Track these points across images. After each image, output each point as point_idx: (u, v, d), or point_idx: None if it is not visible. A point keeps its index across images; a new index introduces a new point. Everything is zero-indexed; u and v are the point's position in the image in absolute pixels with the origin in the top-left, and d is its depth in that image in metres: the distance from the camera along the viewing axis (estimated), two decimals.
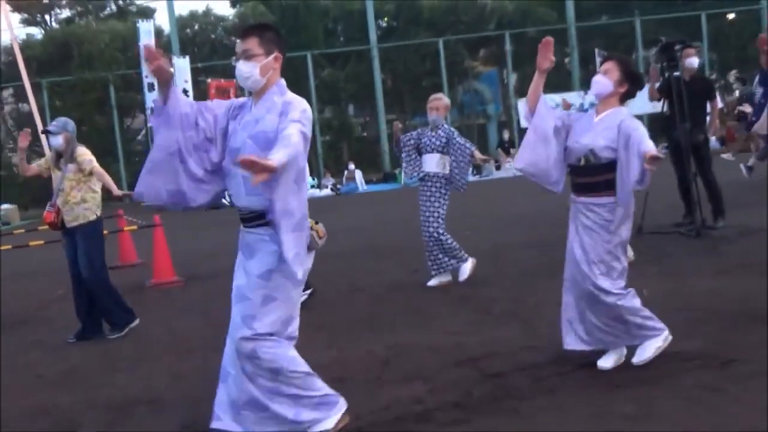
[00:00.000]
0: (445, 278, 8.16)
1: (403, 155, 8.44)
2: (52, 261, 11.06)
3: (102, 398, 5.41)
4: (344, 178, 26.74)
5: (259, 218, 3.83)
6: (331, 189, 25.10)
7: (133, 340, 7.16)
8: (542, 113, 4.95)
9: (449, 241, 8.11)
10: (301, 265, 3.81)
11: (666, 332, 4.93)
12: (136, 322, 7.40)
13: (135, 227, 11.60)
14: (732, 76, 32.33)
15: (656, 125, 16.14)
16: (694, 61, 9.79)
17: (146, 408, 5.08)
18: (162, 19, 34.46)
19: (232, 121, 3.98)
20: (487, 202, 14.51)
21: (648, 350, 4.87)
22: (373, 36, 29.29)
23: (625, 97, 4.88)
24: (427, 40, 30.68)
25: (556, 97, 27.37)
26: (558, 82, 31.65)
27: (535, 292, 7.41)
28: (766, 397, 4.13)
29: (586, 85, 28.33)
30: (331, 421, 4.07)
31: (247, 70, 3.88)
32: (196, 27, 34.14)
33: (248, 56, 3.88)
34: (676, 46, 9.72)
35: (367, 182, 26.09)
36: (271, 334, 3.91)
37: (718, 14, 30.85)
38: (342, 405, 4.14)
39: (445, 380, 4.98)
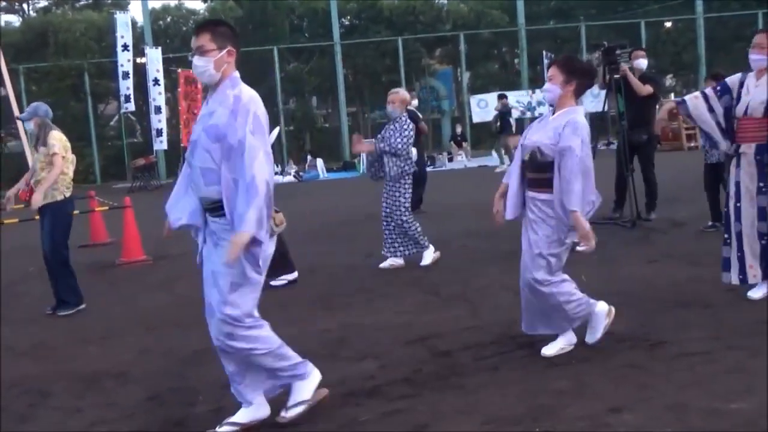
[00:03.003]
0: (398, 262, 8.16)
1: (371, 168, 8.29)
2: (28, 238, 10.88)
3: (71, 370, 5.34)
4: (306, 166, 26.63)
5: (222, 208, 3.75)
6: (294, 176, 24.97)
7: (102, 315, 7.07)
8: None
9: (414, 228, 8.06)
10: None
11: (606, 308, 4.94)
12: (83, 306, 7.27)
13: (106, 208, 11.47)
14: (667, 80, 32.78)
15: (599, 124, 16.27)
16: (642, 63, 9.90)
17: (114, 380, 5.03)
18: (136, 11, 33.95)
19: None
20: (438, 192, 14.55)
21: (597, 330, 4.90)
22: (336, 33, 29.18)
23: (580, 91, 4.78)
24: (387, 39, 30.64)
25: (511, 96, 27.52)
26: (508, 81, 31.89)
27: (481, 276, 7.46)
28: (690, 375, 4.22)
29: (533, 84, 28.57)
30: (308, 391, 4.09)
31: (201, 65, 3.80)
32: (169, 19, 33.67)
33: (202, 52, 3.79)
34: (617, 50, 9.82)
35: (328, 170, 25.99)
36: (245, 317, 3.87)
37: (657, 22, 31.20)
38: (317, 375, 4.16)
39: (395, 358, 5.00)
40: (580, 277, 6.89)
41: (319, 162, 25.86)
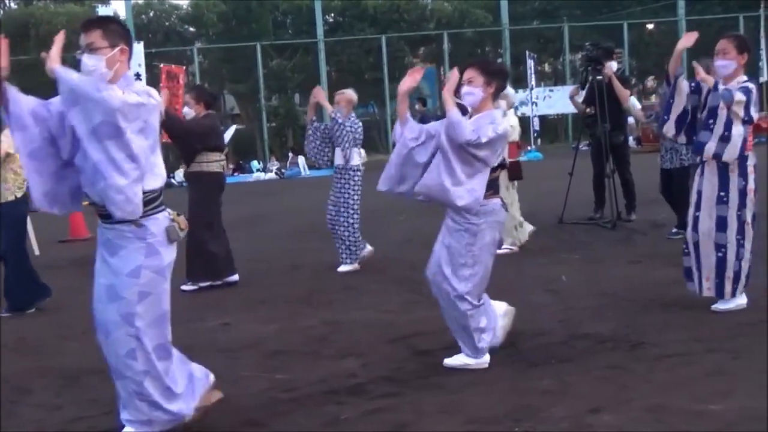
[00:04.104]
0: (367, 249, 8.12)
1: (309, 145, 8.17)
2: None
3: (52, 367, 5.30)
4: (288, 163, 26.58)
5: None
6: (276, 173, 24.93)
7: (83, 311, 6.99)
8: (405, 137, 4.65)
9: (356, 238, 8.00)
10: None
11: (483, 359, 4.65)
12: (32, 310, 7.14)
13: (86, 203, 11.36)
14: (649, 81, 32.95)
15: (578, 124, 16.37)
16: (612, 65, 9.95)
17: (95, 377, 4.97)
18: (118, 5, 33.77)
19: None
20: None
21: (458, 358, 4.68)
22: (320, 30, 29.12)
23: (497, 94, 4.68)
24: (371, 37, 30.62)
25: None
26: None
27: None
28: (671, 376, 4.25)
29: (516, 84, 28.60)
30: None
31: (91, 63, 3.53)
32: (151, 14, 33.47)
33: (92, 49, 3.53)
34: (615, 52, 9.90)
35: (310, 167, 25.94)
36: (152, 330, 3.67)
37: (639, 24, 31.38)
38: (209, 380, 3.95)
39: (377, 356, 5.00)
40: (561, 277, 7.00)
41: (301, 159, 25.80)
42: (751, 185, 5.41)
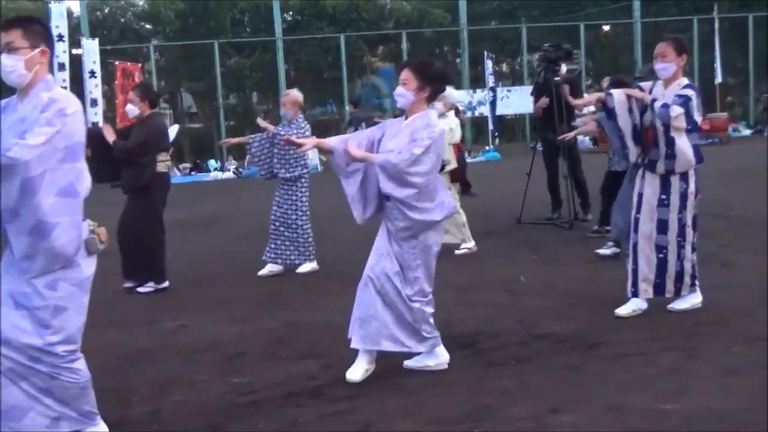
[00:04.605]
0: (277, 268, 7.96)
1: (254, 152, 8.06)
2: None
3: None
4: (246, 162, 26.37)
5: None
6: (234, 172, 24.71)
7: None
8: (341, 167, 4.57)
9: (307, 235, 7.92)
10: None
11: (442, 359, 4.65)
12: None
13: None
14: (605, 81, 33.32)
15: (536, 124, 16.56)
16: (563, 67, 10.03)
17: None
18: (72, 2, 33.19)
19: None
20: None
21: (418, 360, 4.65)
22: (278, 28, 28.93)
23: (433, 97, 4.59)
24: (330, 35, 30.54)
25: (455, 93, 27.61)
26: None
27: None
28: (629, 376, 4.29)
29: (474, 84, 28.81)
30: None
31: (10, 63, 3.39)
32: (107, 10, 33.00)
33: (11, 49, 3.40)
34: (560, 61, 9.95)
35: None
36: (67, 346, 3.56)
37: (596, 25, 31.73)
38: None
39: (337, 357, 4.96)
40: (519, 278, 7.04)
41: None
42: (692, 188, 5.46)
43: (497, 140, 27.35)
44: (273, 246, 7.97)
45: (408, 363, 4.67)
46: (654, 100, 5.35)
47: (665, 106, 5.25)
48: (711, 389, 3.99)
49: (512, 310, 5.94)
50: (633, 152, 5.59)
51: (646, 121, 5.47)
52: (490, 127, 25.76)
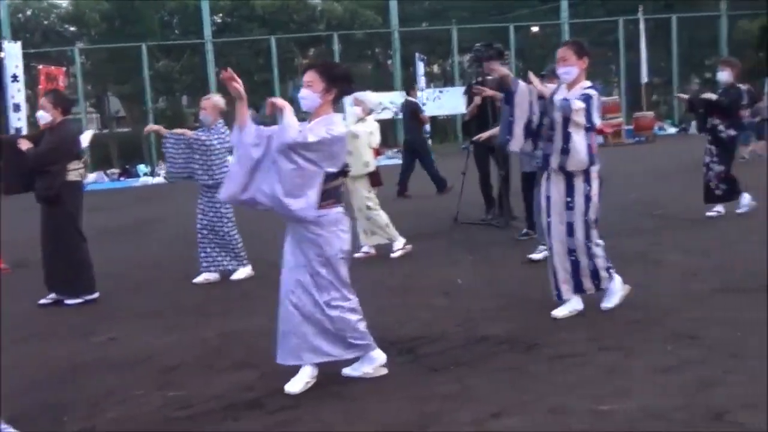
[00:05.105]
0: (213, 276, 7.84)
1: (168, 149, 7.88)
2: None
3: None
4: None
5: None
6: (165, 177, 24.29)
7: None
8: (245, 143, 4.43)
9: (236, 241, 7.81)
10: None
11: (377, 362, 4.57)
12: None
13: None
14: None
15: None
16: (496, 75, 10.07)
17: None
18: None
19: None
20: None
21: (356, 368, 4.57)
22: (207, 30, 28.61)
23: (338, 99, 4.52)
24: (260, 38, 30.32)
25: (381, 96, 27.68)
26: (381, 82, 32.12)
27: (362, 278, 7.42)
28: (569, 377, 4.31)
29: (406, 86, 28.87)
30: None
31: None
32: (29, 12, 32.14)
33: None
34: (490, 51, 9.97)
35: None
36: None
37: (525, 26, 32.18)
38: None
39: (274, 367, 4.84)
40: (456, 280, 7.05)
41: None
42: (595, 190, 5.45)
43: (430, 141, 27.51)
44: (204, 254, 7.81)
45: (346, 371, 4.60)
46: (552, 96, 5.39)
47: (567, 99, 5.30)
48: (648, 388, 4.02)
49: (450, 313, 5.93)
50: (517, 142, 5.59)
51: (546, 121, 5.47)
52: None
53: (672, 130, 28.62)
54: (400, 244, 8.46)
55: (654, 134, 25.43)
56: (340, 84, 4.45)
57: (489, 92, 7.04)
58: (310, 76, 4.40)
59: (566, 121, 5.31)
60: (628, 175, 14.54)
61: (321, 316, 4.39)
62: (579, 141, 5.33)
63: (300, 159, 4.20)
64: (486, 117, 9.81)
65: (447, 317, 5.80)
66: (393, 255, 8.35)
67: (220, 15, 32.92)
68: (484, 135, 8.91)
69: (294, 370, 4.46)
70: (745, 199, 9.42)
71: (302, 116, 4.53)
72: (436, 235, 9.56)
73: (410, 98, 15.14)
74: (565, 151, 5.36)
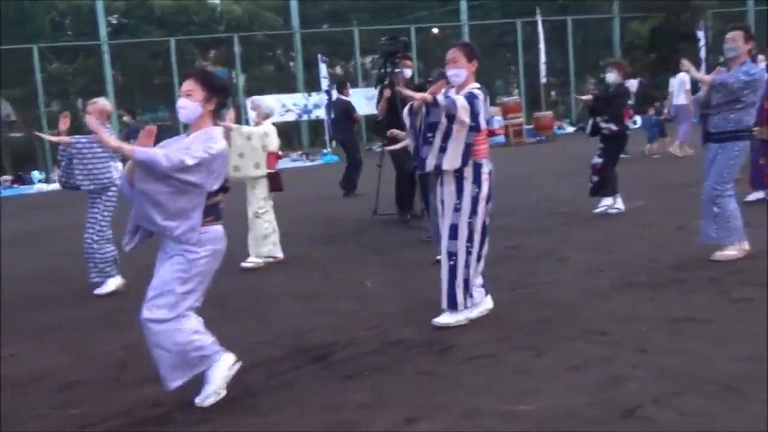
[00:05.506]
0: (115, 284, 7.63)
1: (62, 162, 7.68)
2: None
3: None
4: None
5: None
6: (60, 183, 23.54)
7: None
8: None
9: (106, 254, 7.55)
10: None
11: (226, 356, 4.43)
12: None
13: None
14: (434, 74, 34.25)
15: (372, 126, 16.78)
16: (407, 72, 10.15)
17: None
18: None
19: None
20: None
21: (214, 381, 4.35)
22: (103, 31, 27.81)
23: (218, 110, 4.37)
24: (159, 39, 29.65)
25: (283, 98, 27.54)
26: (283, 84, 31.89)
27: (270, 285, 7.33)
28: (481, 378, 4.33)
29: (309, 87, 28.79)
30: None
31: None
32: None
33: None
34: (399, 53, 10.02)
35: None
36: None
37: (426, 28, 32.50)
38: None
39: None
40: (365, 283, 7.02)
41: None
42: (484, 193, 5.39)
43: (334, 143, 27.51)
44: (91, 265, 7.57)
45: (198, 400, 4.33)
46: (435, 98, 5.27)
47: (450, 97, 5.27)
48: (559, 387, 4.08)
49: (361, 317, 5.90)
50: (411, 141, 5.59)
51: (425, 125, 5.37)
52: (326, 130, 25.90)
53: (570, 129, 29.39)
54: (258, 260, 8.25)
55: (554, 133, 26.06)
56: (220, 93, 4.29)
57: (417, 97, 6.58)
58: (189, 85, 4.20)
59: (450, 120, 5.21)
60: (530, 174, 14.84)
61: (169, 338, 4.18)
62: (458, 140, 5.24)
63: (179, 183, 4.00)
64: (396, 113, 9.81)
65: (358, 322, 5.76)
66: (243, 264, 8.21)
67: (116, 16, 32.03)
68: (396, 147, 8.86)
69: (203, 382, 4.34)
70: (607, 201, 9.62)
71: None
72: (343, 239, 9.53)
73: (342, 97, 14.83)
74: (443, 149, 5.26)
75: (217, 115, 4.38)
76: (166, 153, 3.99)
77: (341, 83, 15.74)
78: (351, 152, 14.39)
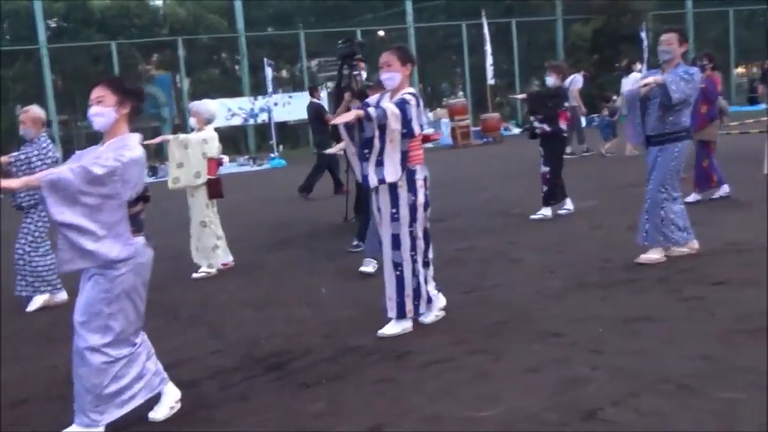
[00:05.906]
0: (59, 297, 7.41)
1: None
2: None
3: None
4: None
5: None
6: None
7: None
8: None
9: (37, 267, 7.31)
10: None
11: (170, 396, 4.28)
12: None
13: None
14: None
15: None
16: (362, 74, 10.11)
17: None
18: None
19: None
20: (165, 205, 13.99)
21: (162, 407, 4.24)
22: (41, 35, 27.18)
23: (132, 116, 4.13)
24: (100, 43, 29.10)
25: (229, 102, 27.29)
26: (229, 88, 31.57)
27: (219, 293, 7.22)
28: (440, 384, 4.30)
29: (255, 91, 28.56)
30: None
31: None
32: None
33: None
34: (357, 55, 9.98)
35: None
36: None
37: (372, 30, 32.47)
38: None
39: None
40: (320, 289, 6.96)
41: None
42: (420, 199, 5.32)
43: (281, 147, 27.35)
44: (19, 277, 7.35)
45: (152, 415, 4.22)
46: (368, 114, 5.12)
47: (380, 107, 5.17)
48: (518, 390, 4.07)
49: (316, 324, 5.83)
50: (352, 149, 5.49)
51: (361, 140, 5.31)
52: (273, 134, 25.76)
53: (516, 130, 29.62)
54: (212, 270, 8.11)
55: (501, 135, 26.23)
56: (133, 97, 4.12)
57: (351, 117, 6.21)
58: (99, 92, 4.02)
59: (382, 130, 5.12)
60: (478, 176, 14.90)
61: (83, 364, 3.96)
62: (393, 150, 5.16)
63: (93, 198, 3.76)
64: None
65: (312, 329, 5.70)
66: (195, 276, 8.08)
67: (55, 19, 31.35)
68: (335, 149, 8.78)
69: (156, 396, 4.23)
70: (568, 203, 9.72)
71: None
72: (295, 244, 9.44)
73: (314, 100, 14.74)
74: (380, 163, 5.18)
75: (132, 121, 4.18)
76: (71, 167, 3.77)
77: (312, 87, 15.77)
78: (321, 155, 14.28)
